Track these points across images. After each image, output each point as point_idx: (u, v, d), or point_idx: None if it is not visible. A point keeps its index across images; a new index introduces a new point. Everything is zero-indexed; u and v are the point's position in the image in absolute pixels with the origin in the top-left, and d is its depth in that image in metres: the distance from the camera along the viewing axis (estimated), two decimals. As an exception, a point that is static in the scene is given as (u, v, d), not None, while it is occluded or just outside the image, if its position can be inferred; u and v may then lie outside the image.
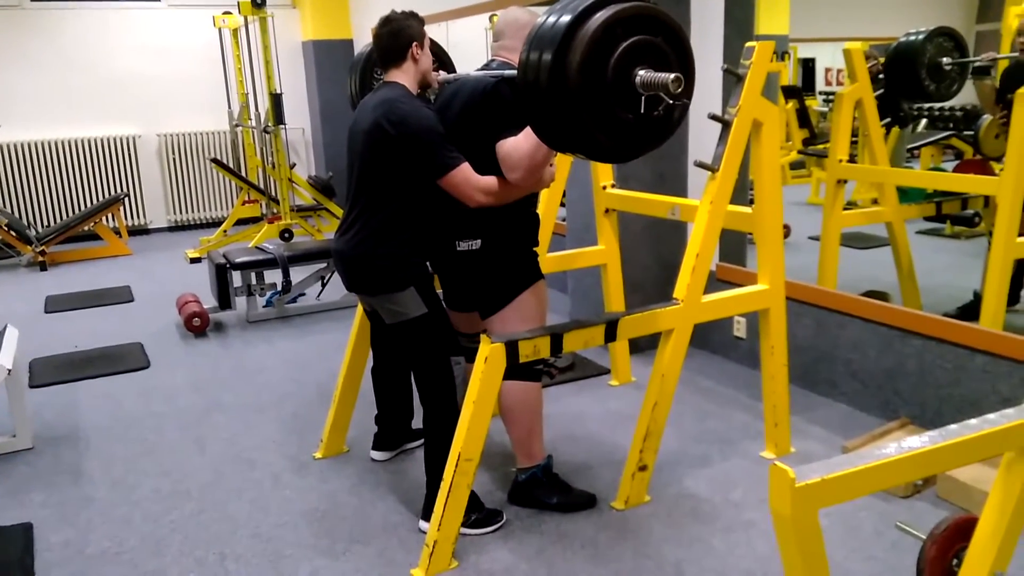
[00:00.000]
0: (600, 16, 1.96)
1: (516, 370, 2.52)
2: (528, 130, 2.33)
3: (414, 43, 2.56)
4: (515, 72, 2.21)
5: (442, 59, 3.26)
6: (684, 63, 2.07)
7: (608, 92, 1.98)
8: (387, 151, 2.47)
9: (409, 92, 2.57)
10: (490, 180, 2.45)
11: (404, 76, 2.58)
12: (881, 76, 4.13)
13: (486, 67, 2.64)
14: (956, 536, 1.90)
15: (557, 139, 2.15)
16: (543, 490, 2.73)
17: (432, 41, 2.77)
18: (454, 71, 2.96)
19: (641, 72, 1.98)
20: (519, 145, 2.38)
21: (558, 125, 2.07)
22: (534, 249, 2.75)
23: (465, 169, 2.44)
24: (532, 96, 2.06)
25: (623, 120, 2.03)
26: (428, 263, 2.71)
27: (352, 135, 2.62)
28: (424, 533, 2.54)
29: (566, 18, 1.97)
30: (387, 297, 2.58)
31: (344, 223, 2.64)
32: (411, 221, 2.54)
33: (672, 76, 1.93)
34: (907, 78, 3.85)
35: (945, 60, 3.78)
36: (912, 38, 3.85)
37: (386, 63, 2.61)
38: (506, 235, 2.64)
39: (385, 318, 2.66)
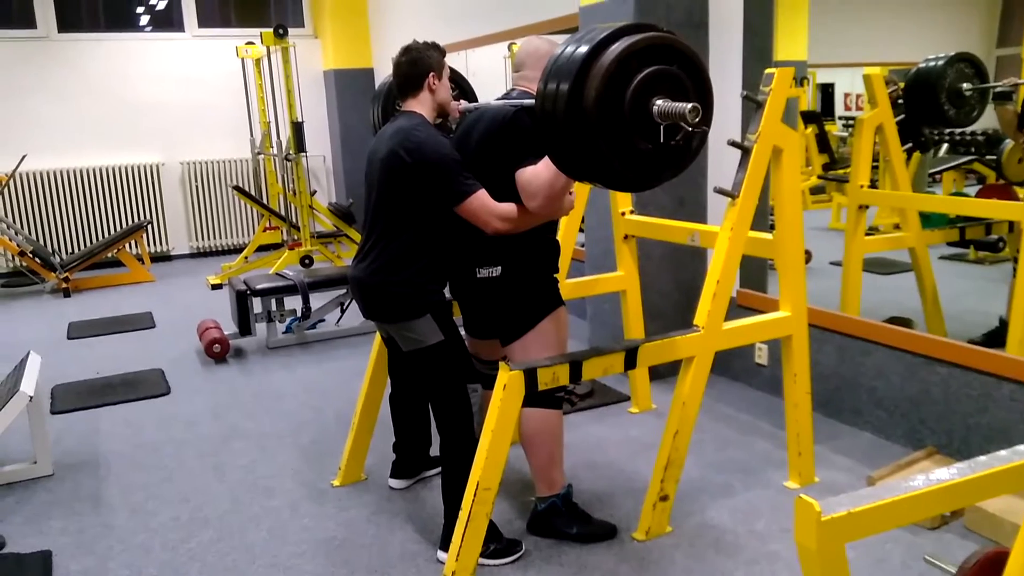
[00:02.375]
0: (616, 48, 1.96)
1: (537, 397, 2.51)
2: (547, 159, 2.33)
3: (431, 73, 2.58)
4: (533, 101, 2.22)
5: (463, 87, 3.28)
6: (702, 91, 2.07)
7: (625, 122, 1.98)
8: (403, 179, 2.48)
9: (426, 121, 2.58)
10: (508, 207, 2.45)
11: (421, 106, 2.60)
12: (900, 101, 4.10)
13: (506, 96, 2.65)
14: (987, 570, 1.85)
15: (575, 168, 2.15)
16: (563, 520, 2.70)
17: (453, 70, 2.78)
18: (475, 99, 2.98)
19: (659, 102, 1.98)
20: (539, 173, 2.38)
21: (576, 155, 2.07)
22: (554, 276, 2.74)
23: (482, 196, 2.44)
24: (550, 126, 2.07)
25: (641, 150, 2.03)
26: (448, 290, 2.71)
27: (370, 163, 2.64)
28: (442, 563, 2.51)
29: (583, 49, 1.98)
30: (404, 325, 2.57)
31: (361, 250, 2.65)
32: (428, 249, 2.55)
33: (689, 106, 1.92)
34: (927, 104, 3.83)
35: (965, 86, 3.76)
36: (932, 64, 3.83)
37: (404, 92, 2.63)
38: (526, 262, 2.63)
39: (402, 345, 2.66)
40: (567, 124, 2.01)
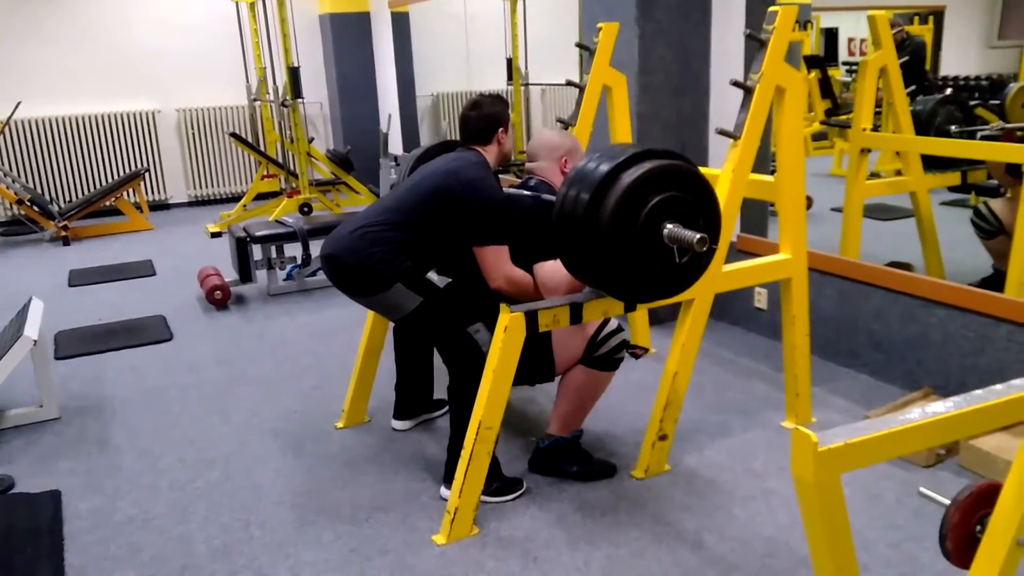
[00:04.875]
0: (633, 172, 2.11)
1: (597, 360, 2.63)
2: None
3: (500, 128, 2.70)
4: (554, 197, 2.35)
5: None
6: (710, 216, 2.21)
7: (637, 241, 2.12)
8: (444, 201, 2.56)
9: (488, 165, 2.68)
10: (520, 274, 2.54)
11: (487, 153, 2.71)
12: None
13: (524, 185, 2.74)
14: (980, 502, 1.88)
15: (585, 274, 2.29)
16: (564, 458, 2.74)
17: None
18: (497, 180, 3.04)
19: (669, 226, 2.13)
20: (559, 270, 2.45)
21: (588, 264, 2.21)
22: None
23: (503, 251, 2.53)
24: (567, 234, 2.21)
25: (648, 268, 2.18)
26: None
27: (419, 171, 2.72)
28: (445, 500, 2.56)
29: (603, 168, 2.12)
30: (375, 299, 2.61)
31: (353, 224, 2.66)
32: (413, 253, 2.59)
33: (697, 236, 2.09)
34: None
35: (952, 128, 3.92)
36: (921, 107, 3.98)
37: (471, 143, 2.72)
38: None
39: (387, 317, 2.69)
40: (583, 238, 2.15)
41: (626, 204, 2.10)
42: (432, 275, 2.69)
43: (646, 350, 3.92)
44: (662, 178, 2.13)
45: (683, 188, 2.17)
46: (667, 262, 2.18)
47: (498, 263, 2.54)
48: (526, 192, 2.69)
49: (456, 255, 2.67)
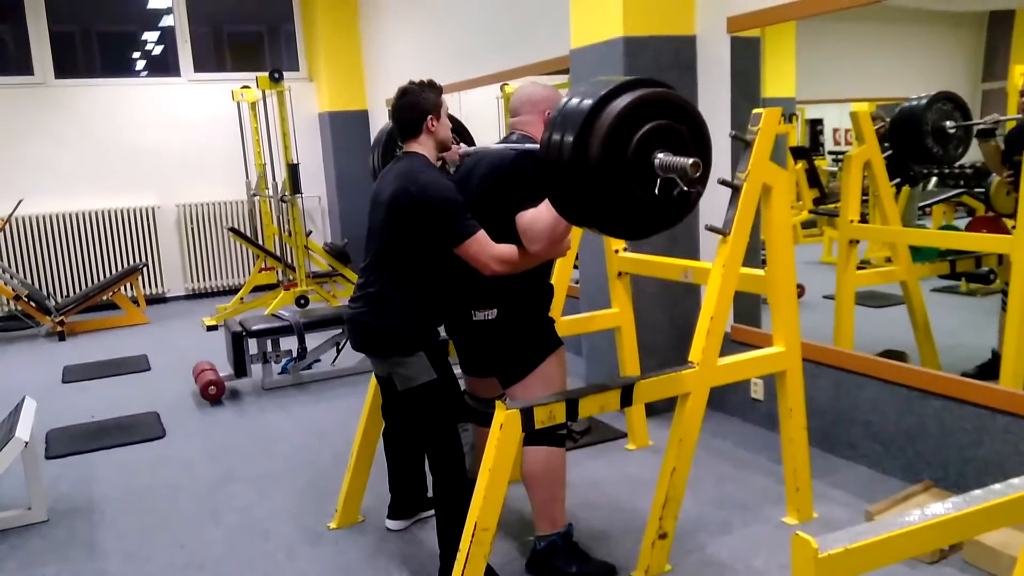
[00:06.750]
0: (621, 101, 2.03)
1: (539, 435, 2.54)
2: (547, 202, 2.37)
3: (429, 116, 2.62)
4: (536, 146, 2.27)
5: (461, 133, 3.35)
6: (702, 148, 2.14)
7: (628, 174, 2.04)
8: (406, 219, 2.51)
9: (429, 162, 2.62)
10: (506, 249, 2.48)
11: (422, 147, 2.64)
12: (887, 144, 4.17)
13: (506, 140, 2.71)
14: (986, 605, 1.85)
15: (576, 213, 2.20)
16: (562, 559, 2.68)
17: (450, 116, 2.84)
18: (473, 144, 3.03)
19: (660, 155, 2.05)
20: (540, 217, 2.43)
21: (578, 202, 2.13)
22: (549, 317, 2.76)
23: (481, 238, 2.47)
24: (554, 172, 2.13)
25: (641, 201, 2.09)
26: (444, 330, 2.73)
27: (373, 204, 2.68)
28: (441, 605, 2.49)
29: (588, 102, 2.05)
30: (396, 361, 2.59)
31: (359, 289, 2.68)
32: (425, 289, 2.57)
33: (691, 161, 2.00)
34: (912, 143, 3.90)
35: (948, 124, 3.86)
36: (914, 103, 3.92)
37: (404, 135, 2.67)
38: (522, 305, 2.65)
39: (397, 384, 2.67)
40: (571, 173, 2.06)
41: (615, 134, 2.01)
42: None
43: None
44: (650, 107, 2.05)
45: (673, 118, 2.08)
46: (655, 193, 2.08)
47: (482, 251, 2.46)
48: (509, 147, 2.60)
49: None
